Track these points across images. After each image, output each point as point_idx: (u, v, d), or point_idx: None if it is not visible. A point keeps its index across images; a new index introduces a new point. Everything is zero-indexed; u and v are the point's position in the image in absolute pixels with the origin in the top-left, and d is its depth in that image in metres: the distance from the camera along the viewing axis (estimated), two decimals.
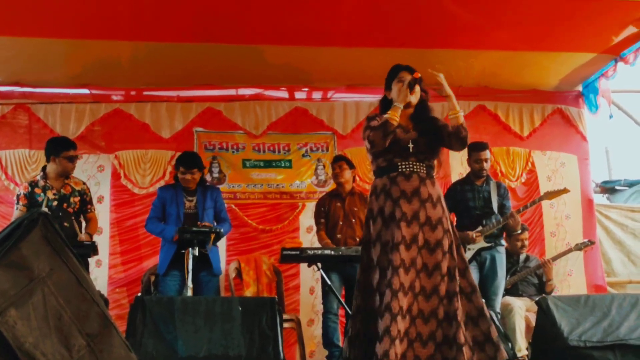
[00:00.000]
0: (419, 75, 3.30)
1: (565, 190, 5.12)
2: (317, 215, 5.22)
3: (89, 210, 4.83)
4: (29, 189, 4.62)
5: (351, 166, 5.22)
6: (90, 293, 2.22)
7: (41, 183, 4.64)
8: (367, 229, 3.34)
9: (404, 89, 3.27)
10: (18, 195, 4.68)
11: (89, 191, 4.90)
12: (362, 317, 3.24)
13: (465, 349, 3.06)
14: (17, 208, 4.65)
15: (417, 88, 3.35)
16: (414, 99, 3.35)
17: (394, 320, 2.97)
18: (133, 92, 6.21)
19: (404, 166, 3.26)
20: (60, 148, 4.64)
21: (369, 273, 3.27)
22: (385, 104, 3.43)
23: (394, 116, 3.23)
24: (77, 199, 4.70)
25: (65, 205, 4.63)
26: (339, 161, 5.23)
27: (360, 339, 3.24)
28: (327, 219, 5.14)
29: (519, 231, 5.23)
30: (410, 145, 3.29)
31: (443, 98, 3.37)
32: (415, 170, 3.26)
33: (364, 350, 3.17)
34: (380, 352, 2.92)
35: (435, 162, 3.40)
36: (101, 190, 5.89)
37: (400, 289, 3.03)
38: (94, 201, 5.07)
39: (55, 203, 4.59)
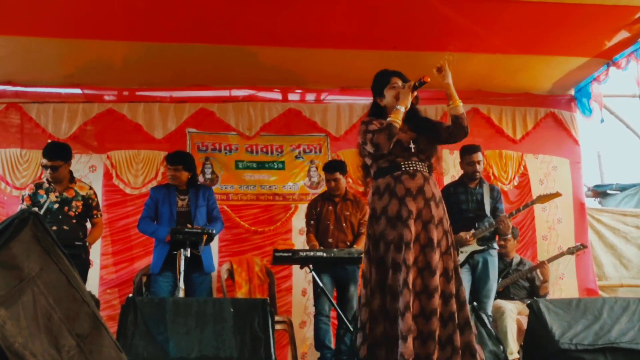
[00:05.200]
0: (429, 79, 3.25)
1: (557, 195, 5.12)
2: (308, 217, 5.21)
3: (94, 216, 4.85)
4: (34, 189, 4.68)
5: (344, 171, 5.16)
6: (81, 293, 2.20)
7: (45, 185, 4.68)
8: (370, 228, 3.29)
9: (407, 91, 3.27)
10: (23, 196, 4.74)
11: (96, 197, 4.90)
12: (384, 317, 3.16)
13: (460, 353, 3.06)
14: (20, 208, 4.66)
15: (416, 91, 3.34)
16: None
17: (414, 320, 2.99)
18: (126, 92, 6.19)
19: (407, 165, 3.24)
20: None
21: (381, 272, 3.21)
22: (377, 111, 3.41)
23: (397, 119, 3.22)
24: (79, 203, 4.71)
25: (66, 208, 4.64)
26: (334, 173, 5.11)
27: (385, 340, 3.14)
28: (318, 222, 5.12)
29: (509, 235, 5.22)
30: (412, 145, 3.29)
31: (438, 100, 3.36)
32: (418, 169, 3.25)
33: (391, 351, 3.09)
34: (406, 353, 2.91)
35: (434, 159, 3.39)
36: None
37: (413, 288, 3.04)
38: None
39: (56, 206, 4.61)
